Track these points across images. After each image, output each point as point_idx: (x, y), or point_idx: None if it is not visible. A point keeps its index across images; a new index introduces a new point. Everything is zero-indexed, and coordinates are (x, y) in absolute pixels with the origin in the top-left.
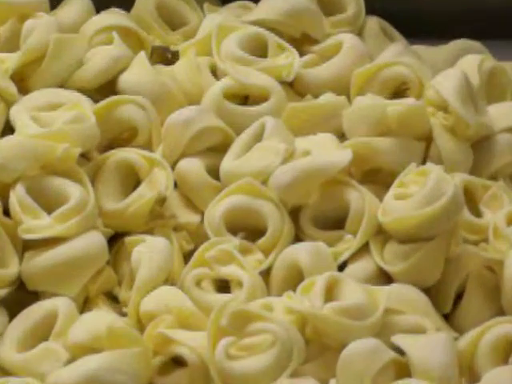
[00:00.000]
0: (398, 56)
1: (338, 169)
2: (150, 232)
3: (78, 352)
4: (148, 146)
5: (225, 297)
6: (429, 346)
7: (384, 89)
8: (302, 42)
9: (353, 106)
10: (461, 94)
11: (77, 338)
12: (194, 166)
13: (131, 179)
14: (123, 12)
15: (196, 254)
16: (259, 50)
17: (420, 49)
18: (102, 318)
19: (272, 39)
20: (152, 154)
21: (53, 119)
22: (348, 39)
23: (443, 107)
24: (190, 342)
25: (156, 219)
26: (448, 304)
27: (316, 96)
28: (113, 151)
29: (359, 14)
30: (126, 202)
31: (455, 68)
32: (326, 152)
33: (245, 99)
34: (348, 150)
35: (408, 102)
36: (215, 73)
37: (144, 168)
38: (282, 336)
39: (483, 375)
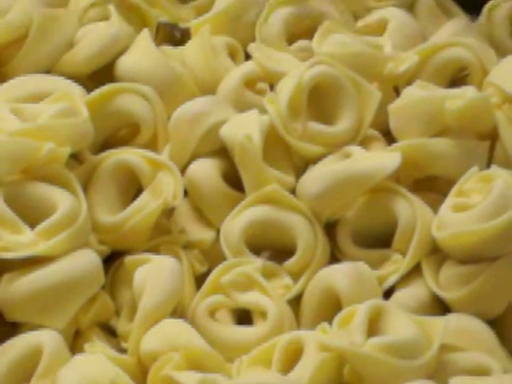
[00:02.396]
0: (456, 35)
1: (383, 176)
2: (155, 250)
3: None
4: (152, 145)
5: (244, 331)
6: None
7: (439, 76)
8: None
9: (402, 98)
10: None
11: None
12: (207, 170)
13: (131, 186)
14: None
15: (210, 279)
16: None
17: None
18: (101, 367)
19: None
20: (157, 156)
21: (36, 112)
22: (395, 15)
23: (510, 98)
24: None
25: (162, 235)
26: None
27: None
28: (109, 152)
29: None
30: (126, 213)
31: None
32: (369, 155)
33: (271, 89)
34: (396, 154)
35: (469, 94)
36: (234, 56)
37: (147, 172)
38: None
39: None
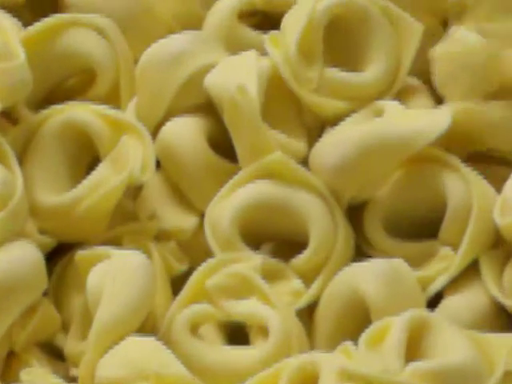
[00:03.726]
0: None
1: (427, 141)
2: (117, 243)
3: None
4: (113, 99)
5: (238, 353)
6: None
7: (500, 9)
8: None
9: (451, 42)
10: None
11: None
12: (187, 133)
13: (85, 155)
14: None
15: (192, 281)
16: None
17: None
18: None
19: None
20: (119, 113)
21: None
22: None
23: None
24: None
25: (126, 222)
26: None
27: None
28: (54, 108)
29: None
30: (77, 192)
31: None
32: (407, 113)
33: (274, 23)
34: (445, 112)
35: None
36: None
37: (106, 136)
38: None
39: None
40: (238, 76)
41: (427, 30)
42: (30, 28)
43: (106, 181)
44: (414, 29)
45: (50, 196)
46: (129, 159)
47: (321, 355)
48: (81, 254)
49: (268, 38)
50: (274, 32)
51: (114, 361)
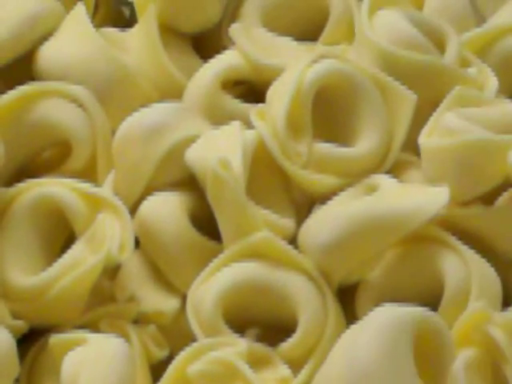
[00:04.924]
0: None
1: (424, 220)
2: (93, 327)
3: None
4: (89, 173)
5: None
6: None
7: (502, 75)
8: None
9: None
10: None
11: None
12: (168, 210)
13: (60, 232)
14: None
15: (173, 368)
16: None
17: None
18: None
19: None
20: (96, 189)
21: None
22: None
23: None
24: None
25: (103, 304)
26: None
27: None
28: (28, 182)
29: None
30: (51, 272)
31: None
32: (402, 189)
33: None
34: (443, 189)
35: None
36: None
37: (82, 213)
38: None
39: None
40: (221, 149)
41: (425, 98)
42: (1, 97)
43: (81, 261)
44: (407, 99)
45: (23, 276)
46: (106, 237)
47: None
48: (55, 339)
49: (254, 111)
50: (260, 105)
51: None
